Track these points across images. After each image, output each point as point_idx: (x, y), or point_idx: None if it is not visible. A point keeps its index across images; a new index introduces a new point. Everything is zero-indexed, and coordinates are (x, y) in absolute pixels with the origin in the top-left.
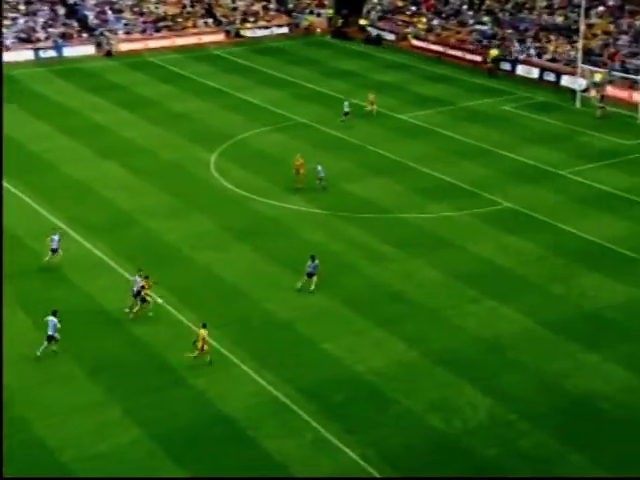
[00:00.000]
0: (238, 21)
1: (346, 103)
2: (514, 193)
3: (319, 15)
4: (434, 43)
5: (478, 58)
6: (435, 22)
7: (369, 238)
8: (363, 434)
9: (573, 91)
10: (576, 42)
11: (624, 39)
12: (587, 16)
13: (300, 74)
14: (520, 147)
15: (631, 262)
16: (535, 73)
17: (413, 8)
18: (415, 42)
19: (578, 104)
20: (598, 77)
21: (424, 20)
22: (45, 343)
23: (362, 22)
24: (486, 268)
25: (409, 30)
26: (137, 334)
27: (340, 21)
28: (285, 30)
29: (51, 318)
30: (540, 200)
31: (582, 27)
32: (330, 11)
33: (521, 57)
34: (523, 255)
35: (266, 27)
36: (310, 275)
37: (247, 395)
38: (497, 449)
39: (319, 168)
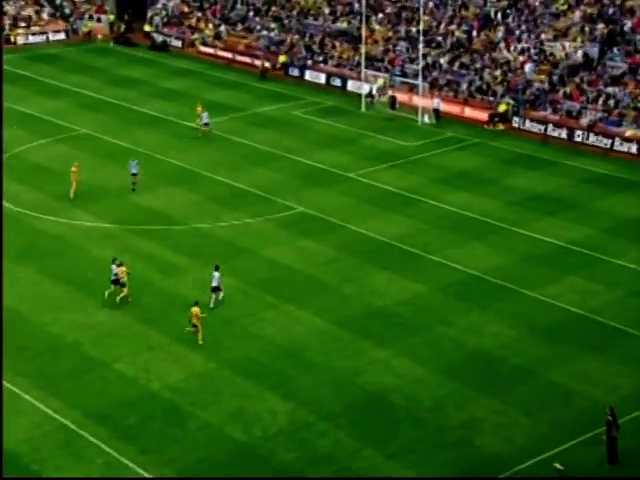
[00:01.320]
0: (7, 27)
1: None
2: (307, 197)
3: (99, 21)
4: (222, 49)
5: (267, 64)
6: (222, 28)
7: (162, 250)
8: (159, 453)
9: (359, 95)
10: (359, 48)
11: (402, 45)
12: (368, 23)
13: (81, 82)
14: (311, 151)
15: (416, 258)
16: (322, 78)
17: (199, 14)
18: (202, 48)
19: (363, 108)
20: (380, 82)
21: (211, 26)
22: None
23: (147, 28)
24: (282, 273)
25: (196, 36)
26: None
27: (123, 27)
28: (62, 36)
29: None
30: (331, 202)
31: (364, 33)
32: (111, 16)
33: (309, 63)
34: (317, 257)
35: (41, 33)
36: (216, 289)
37: (31, 426)
38: (297, 453)
39: (133, 163)
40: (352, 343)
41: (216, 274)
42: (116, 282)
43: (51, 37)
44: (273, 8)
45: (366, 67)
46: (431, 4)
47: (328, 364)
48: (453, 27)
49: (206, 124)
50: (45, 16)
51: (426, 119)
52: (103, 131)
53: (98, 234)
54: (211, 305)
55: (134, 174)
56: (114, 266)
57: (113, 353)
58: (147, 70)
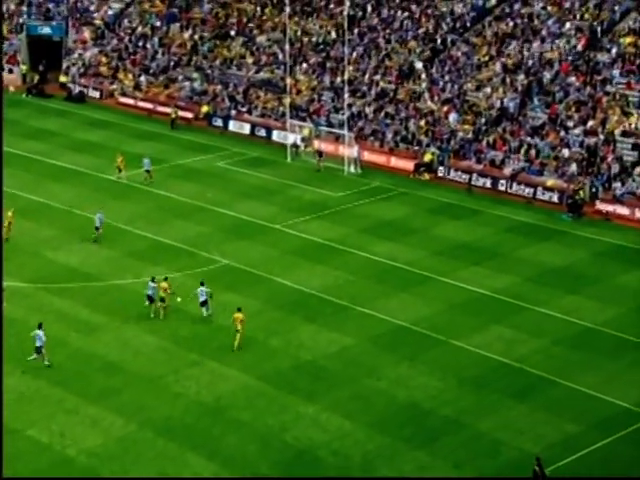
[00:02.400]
0: None
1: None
2: (231, 250)
3: (11, 72)
4: (142, 100)
5: (189, 114)
6: (142, 78)
7: (79, 309)
8: None
9: (284, 146)
10: (284, 98)
11: (327, 95)
12: (293, 73)
13: None
14: (235, 203)
15: (344, 310)
16: (247, 129)
17: (118, 64)
18: (122, 99)
19: (289, 158)
20: (306, 132)
21: (130, 76)
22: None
23: (62, 79)
24: (206, 329)
25: (114, 87)
26: None
27: (36, 78)
28: None
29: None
30: (256, 255)
31: (288, 83)
32: (24, 67)
33: (232, 113)
34: (243, 312)
35: None
36: (204, 304)
37: None
38: None
39: (99, 215)
40: (279, 398)
41: (203, 289)
42: (151, 299)
43: None
44: (194, 58)
45: (291, 117)
46: (355, 54)
47: (254, 421)
48: (377, 77)
49: (147, 171)
50: None
51: (352, 169)
52: (16, 186)
53: (10, 293)
54: (206, 313)
55: (97, 227)
56: (150, 283)
57: (26, 418)
58: (63, 122)
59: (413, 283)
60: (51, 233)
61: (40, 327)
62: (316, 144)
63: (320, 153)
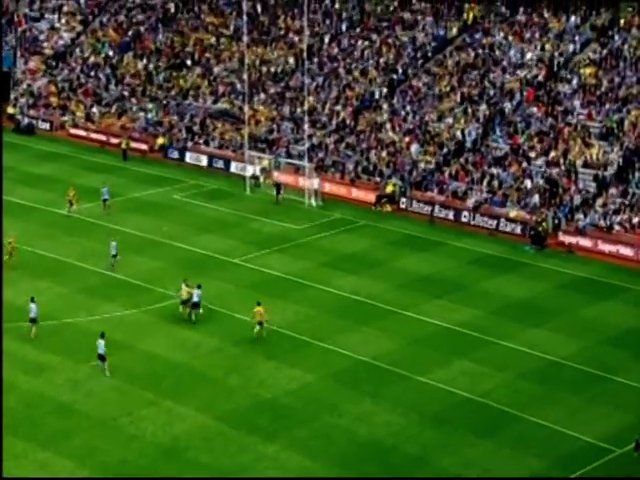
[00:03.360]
0: None
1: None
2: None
3: None
4: (95, 132)
5: (144, 146)
6: (94, 109)
7: (28, 349)
8: None
9: (243, 177)
10: (242, 128)
11: (287, 125)
12: (251, 103)
13: None
14: (192, 237)
15: (304, 346)
16: (204, 161)
17: (70, 94)
18: (73, 131)
19: (248, 190)
20: (265, 163)
21: (82, 107)
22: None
23: (10, 110)
24: (162, 367)
25: (65, 118)
26: None
27: None
28: None
29: None
30: (214, 290)
31: (247, 113)
32: None
33: (189, 144)
34: (199, 349)
35: None
36: (195, 305)
37: None
38: None
39: (113, 244)
40: (238, 439)
41: (198, 291)
42: (184, 303)
43: None
44: (149, 88)
45: (250, 148)
46: (315, 84)
47: (212, 462)
48: (338, 107)
49: (105, 200)
50: None
51: (312, 201)
52: None
53: None
54: (193, 320)
55: (114, 255)
56: (184, 285)
57: None
58: (11, 155)
59: (375, 317)
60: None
61: (102, 336)
62: (275, 175)
63: (279, 185)
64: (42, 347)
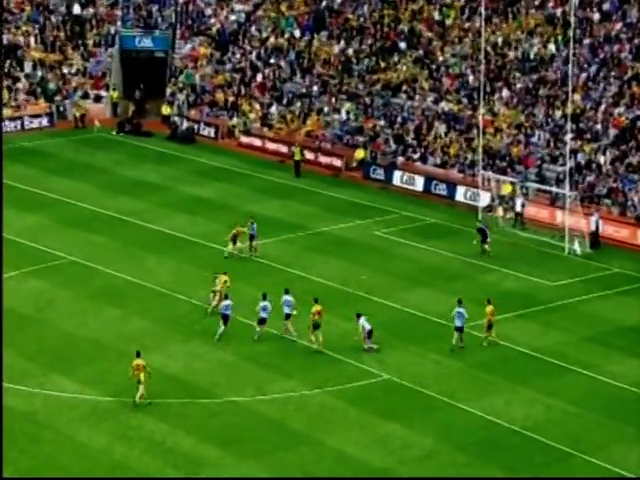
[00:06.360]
0: None
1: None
2: (392, 360)
3: (98, 100)
4: (272, 140)
5: (338, 162)
6: (273, 109)
7: (180, 436)
8: None
9: (474, 209)
10: (474, 140)
11: (540, 135)
12: (488, 103)
13: (70, 189)
14: (400, 291)
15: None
16: (419, 184)
17: (241, 89)
18: (244, 139)
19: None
20: (506, 189)
21: (257, 107)
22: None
23: (165, 110)
24: (349, 470)
25: (235, 121)
26: None
27: (131, 108)
28: (44, 122)
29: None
30: (429, 372)
31: (482, 118)
32: (115, 94)
33: (399, 160)
34: (408, 450)
35: (13, 118)
36: (287, 316)
37: None
38: None
39: (288, 299)
40: None
41: (288, 297)
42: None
43: (28, 123)
44: (346, 80)
45: (484, 168)
46: (583, 77)
47: None
48: (619, 110)
49: (252, 237)
50: (21, 94)
51: (576, 246)
52: (99, 259)
53: None
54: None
55: (289, 315)
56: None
57: None
58: (165, 170)
59: None
60: (143, 325)
61: (265, 298)
62: (519, 204)
63: (521, 218)
64: (198, 434)
